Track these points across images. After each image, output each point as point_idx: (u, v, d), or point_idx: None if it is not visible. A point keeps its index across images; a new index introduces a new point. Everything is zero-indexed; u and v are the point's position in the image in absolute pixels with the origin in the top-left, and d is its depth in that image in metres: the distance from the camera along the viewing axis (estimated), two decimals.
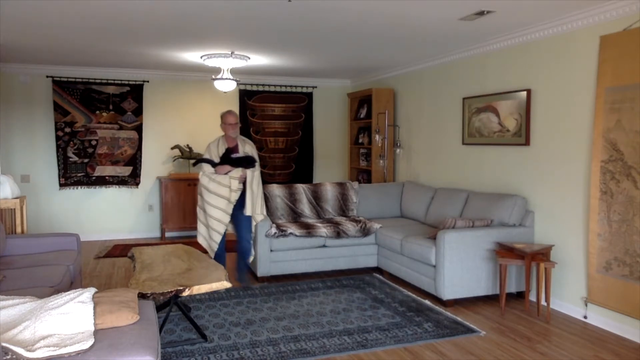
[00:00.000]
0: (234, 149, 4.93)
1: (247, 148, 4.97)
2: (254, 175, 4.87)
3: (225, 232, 4.86)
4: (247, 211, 4.84)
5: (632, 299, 3.62)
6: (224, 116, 4.96)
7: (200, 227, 4.96)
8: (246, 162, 4.85)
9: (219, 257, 4.88)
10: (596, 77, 3.90)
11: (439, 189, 5.66)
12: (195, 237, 7.44)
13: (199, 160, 5.00)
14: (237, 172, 4.79)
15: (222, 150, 4.90)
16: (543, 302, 4.22)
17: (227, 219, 4.80)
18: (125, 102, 7.32)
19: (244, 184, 4.84)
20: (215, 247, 4.83)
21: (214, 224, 4.78)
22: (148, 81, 7.39)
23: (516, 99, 4.75)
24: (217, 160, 4.86)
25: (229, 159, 4.85)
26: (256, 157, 4.98)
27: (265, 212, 5.07)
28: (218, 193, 4.75)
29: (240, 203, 4.85)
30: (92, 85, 7.14)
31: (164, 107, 7.56)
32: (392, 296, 4.64)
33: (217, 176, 4.78)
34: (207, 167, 4.86)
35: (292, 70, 7.22)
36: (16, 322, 2.33)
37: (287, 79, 8.05)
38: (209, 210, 4.78)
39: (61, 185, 7.10)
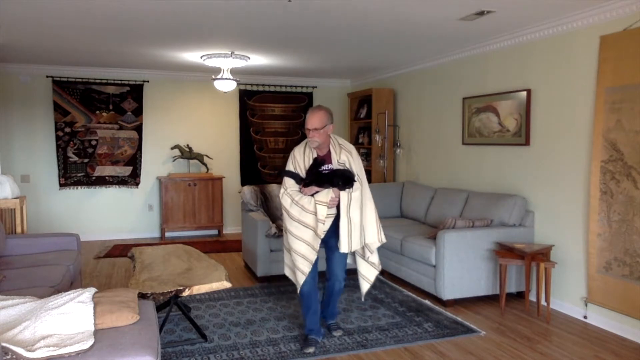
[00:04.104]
0: (325, 158, 3.47)
1: (342, 157, 3.47)
2: (351, 197, 3.40)
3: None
4: (342, 247, 3.40)
5: (632, 299, 3.62)
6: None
7: (286, 256, 3.58)
8: (340, 179, 3.36)
9: (308, 299, 3.51)
10: (596, 77, 3.90)
11: (439, 189, 5.66)
12: (195, 237, 7.55)
13: (282, 172, 3.56)
14: (327, 194, 3.34)
15: (309, 161, 3.45)
16: (543, 302, 4.21)
17: (313, 256, 3.37)
18: (125, 102, 7.32)
19: (338, 208, 3.42)
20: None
21: (298, 261, 3.37)
22: (148, 81, 7.39)
23: (516, 99, 4.75)
24: (303, 173, 3.45)
25: (317, 172, 3.41)
26: (356, 168, 3.50)
27: (383, 238, 3.59)
28: (303, 221, 3.36)
29: (333, 229, 3.45)
30: (92, 85, 7.14)
31: (164, 107, 7.56)
32: (392, 296, 4.64)
33: (301, 198, 3.37)
34: (290, 183, 3.45)
35: (292, 70, 7.22)
36: (16, 322, 2.33)
37: (287, 79, 8.05)
38: (293, 243, 3.39)
39: (61, 185, 7.10)
